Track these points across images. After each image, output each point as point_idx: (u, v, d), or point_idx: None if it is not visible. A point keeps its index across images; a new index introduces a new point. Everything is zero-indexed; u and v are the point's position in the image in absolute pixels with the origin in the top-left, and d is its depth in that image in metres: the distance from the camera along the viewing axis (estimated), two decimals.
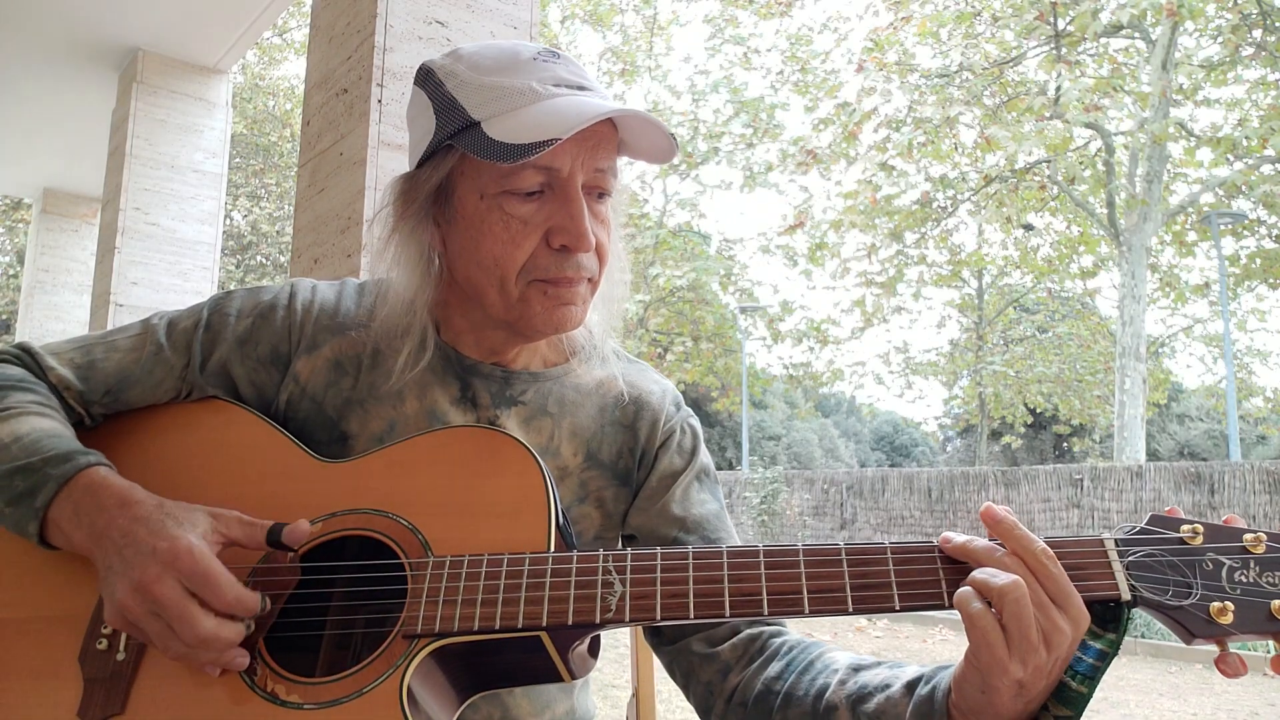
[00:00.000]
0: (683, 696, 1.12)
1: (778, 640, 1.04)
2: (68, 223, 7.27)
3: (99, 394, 1.06)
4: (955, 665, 0.85)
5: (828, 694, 0.93)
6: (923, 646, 9.12)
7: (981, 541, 0.83)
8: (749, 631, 1.04)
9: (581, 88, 0.99)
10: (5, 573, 0.96)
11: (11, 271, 19.72)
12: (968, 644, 0.80)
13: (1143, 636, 8.93)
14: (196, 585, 0.83)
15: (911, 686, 0.88)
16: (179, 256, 5.00)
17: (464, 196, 1.01)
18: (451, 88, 1.00)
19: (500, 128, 0.94)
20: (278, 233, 20.09)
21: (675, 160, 1.08)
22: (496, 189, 0.97)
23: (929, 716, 0.84)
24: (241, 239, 20.03)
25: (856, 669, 0.94)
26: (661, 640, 1.10)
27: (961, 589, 0.80)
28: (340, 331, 1.10)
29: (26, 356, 1.06)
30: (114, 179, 5.02)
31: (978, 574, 0.80)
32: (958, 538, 0.84)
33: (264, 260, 20.55)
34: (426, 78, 1.03)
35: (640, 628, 0.93)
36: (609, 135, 1.01)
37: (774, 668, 1.00)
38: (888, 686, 0.90)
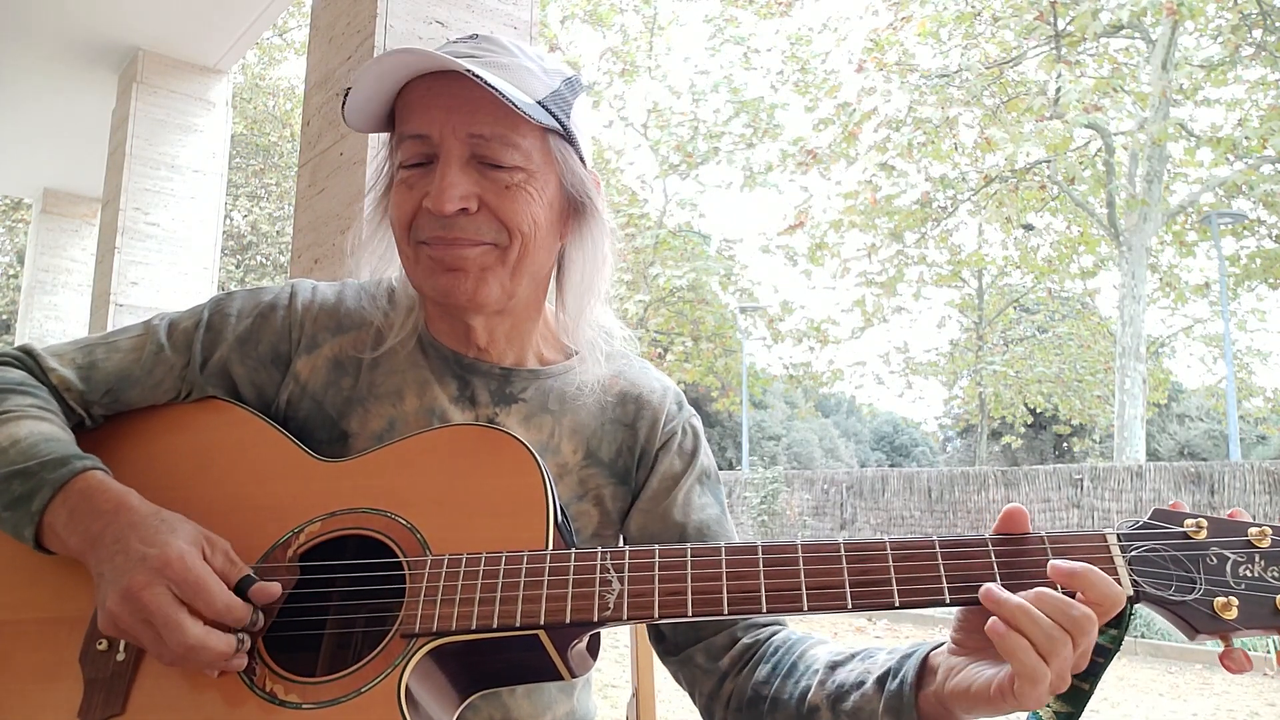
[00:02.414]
0: (682, 695, 1.13)
1: (769, 642, 1.05)
2: (68, 223, 7.26)
3: (99, 394, 1.06)
4: (938, 652, 0.88)
5: (809, 696, 0.96)
6: (925, 646, 9.11)
7: (1029, 608, 0.79)
8: (746, 640, 1.06)
9: (466, 57, 0.99)
10: (6, 574, 0.96)
11: (11, 271, 19.73)
12: (1007, 680, 0.79)
13: (1142, 636, 8.93)
14: (186, 592, 0.83)
15: (882, 681, 0.91)
16: (179, 256, 4.99)
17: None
18: None
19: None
20: (278, 233, 20.09)
21: (571, 134, 1.04)
22: (396, 165, 1.03)
23: (899, 710, 0.88)
24: (241, 239, 20.03)
25: (833, 667, 0.97)
26: (665, 649, 1.11)
27: (1037, 665, 0.77)
28: (340, 330, 1.10)
29: (28, 359, 1.06)
30: (114, 179, 5.01)
31: (1048, 596, 0.78)
32: (1000, 594, 0.80)
33: (264, 260, 20.55)
34: None
35: (646, 637, 0.93)
36: (497, 104, 0.96)
37: (762, 671, 1.02)
38: (861, 684, 0.93)
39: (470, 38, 1.04)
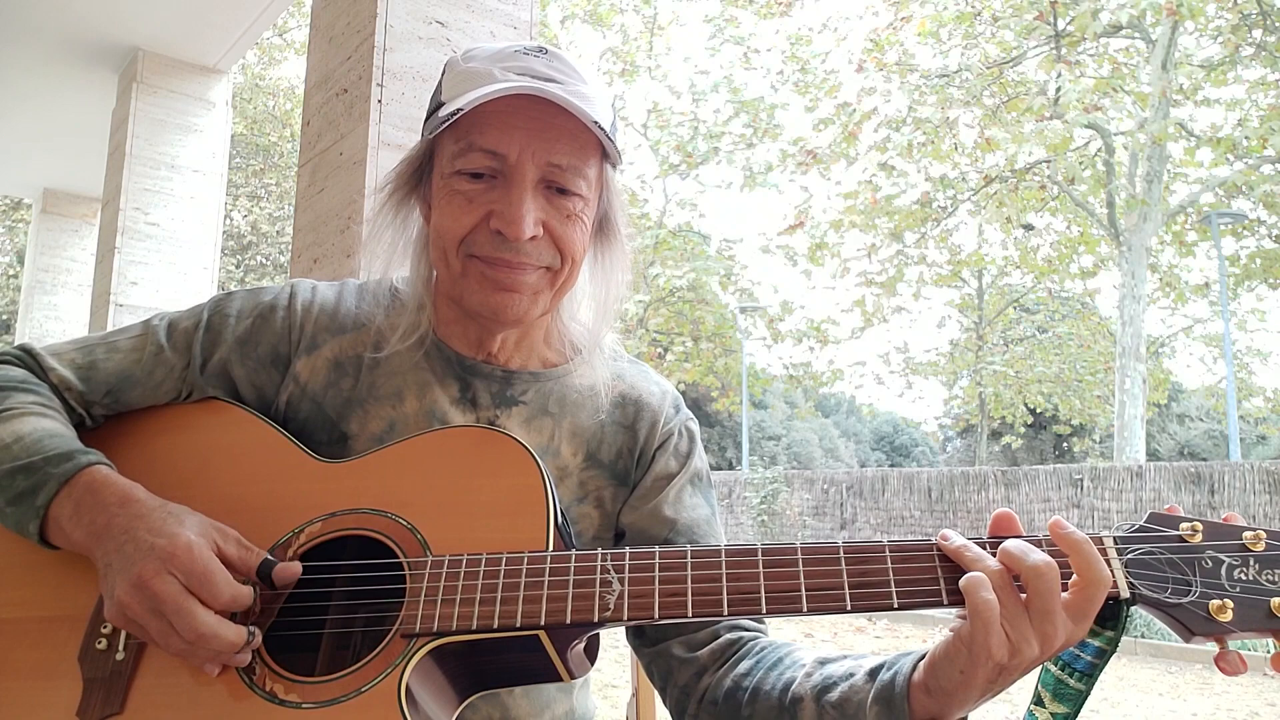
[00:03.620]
0: None
1: (753, 642, 1.04)
2: (68, 223, 7.26)
3: (100, 394, 1.06)
4: (929, 648, 0.87)
5: (793, 686, 0.94)
6: (923, 647, 9.11)
7: (976, 549, 0.83)
8: (728, 636, 1.05)
9: (550, 79, 0.99)
10: (6, 572, 0.97)
11: (11, 271, 19.72)
12: (966, 625, 0.80)
13: (1142, 636, 8.93)
14: (194, 582, 0.84)
15: (874, 673, 0.89)
16: (179, 256, 5.00)
17: (433, 176, 1.05)
18: (444, 76, 1.05)
19: (448, 107, 0.98)
20: (278, 233, 20.09)
21: (620, 165, 1.09)
22: (450, 168, 1.01)
23: (890, 700, 0.86)
24: (241, 239, 20.02)
25: (822, 662, 0.96)
26: (642, 642, 1.10)
27: (973, 575, 0.80)
28: (340, 331, 1.10)
29: (28, 358, 1.06)
30: (114, 179, 5.02)
31: (1010, 545, 0.81)
32: (955, 539, 0.84)
33: (264, 260, 20.55)
34: (443, 67, 1.08)
35: (623, 627, 0.93)
36: (573, 132, 1.00)
37: (744, 665, 1.01)
38: (851, 676, 0.91)
39: (540, 51, 1.03)
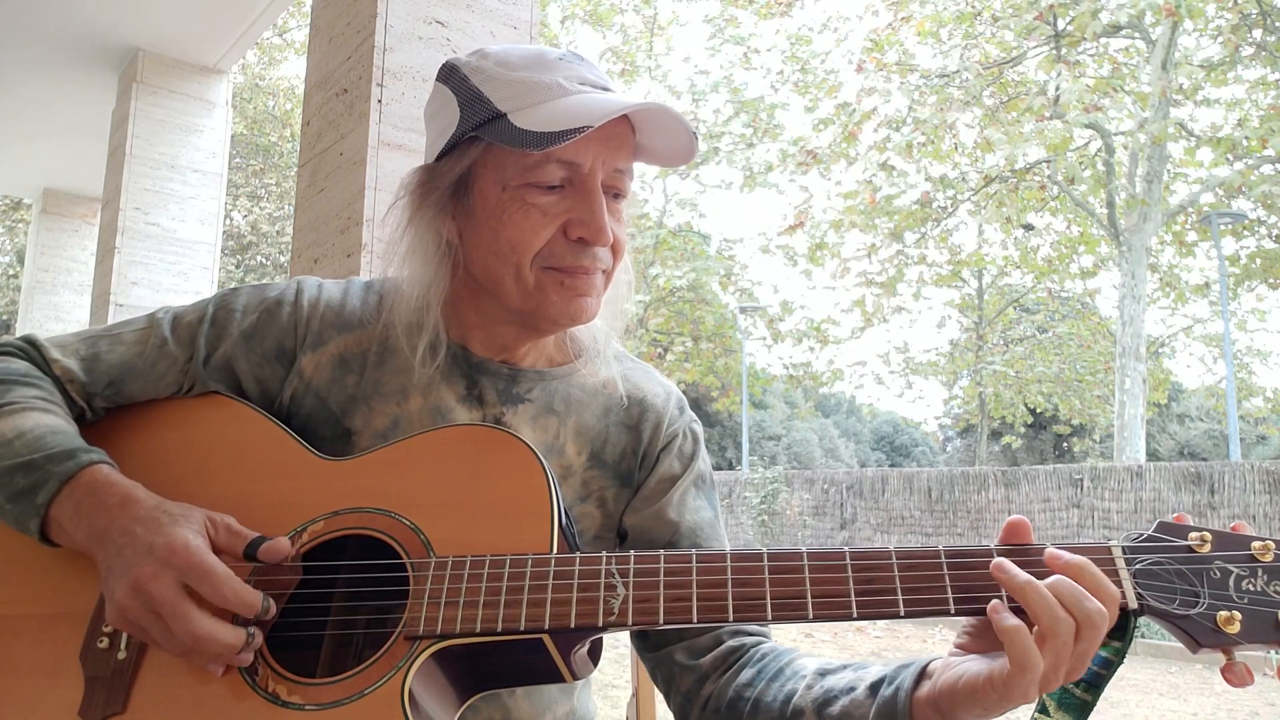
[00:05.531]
0: None
1: (755, 649, 1.04)
2: (68, 223, 7.26)
3: (101, 385, 1.05)
4: (934, 659, 0.86)
5: (794, 699, 0.94)
6: (922, 647, 9.12)
7: (1047, 595, 0.78)
8: (730, 643, 1.05)
9: (605, 89, 1.02)
10: (8, 569, 0.96)
11: (11, 271, 19.72)
12: (1003, 672, 0.78)
13: (1143, 636, 8.93)
14: (193, 580, 0.83)
15: (875, 688, 0.89)
16: (179, 256, 4.99)
17: (485, 188, 1.02)
18: (477, 82, 1.02)
19: (528, 118, 0.96)
20: (278, 233, 20.09)
21: (695, 159, 1.09)
22: (519, 181, 0.99)
23: (893, 716, 0.85)
24: (241, 239, 20.02)
25: (823, 674, 0.95)
26: (646, 646, 1.10)
27: (1027, 636, 0.76)
28: (346, 328, 1.10)
29: (31, 349, 1.06)
30: (114, 179, 5.01)
31: (1066, 589, 0.77)
32: (1017, 574, 0.79)
33: (264, 260, 20.55)
34: (450, 74, 1.05)
35: (626, 631, 0.93)
36: (628, 139, 1.03)
37: (745, 674, 1.01)
38: (852, 689, 0.91)
39: (578, 58, 1.04)
